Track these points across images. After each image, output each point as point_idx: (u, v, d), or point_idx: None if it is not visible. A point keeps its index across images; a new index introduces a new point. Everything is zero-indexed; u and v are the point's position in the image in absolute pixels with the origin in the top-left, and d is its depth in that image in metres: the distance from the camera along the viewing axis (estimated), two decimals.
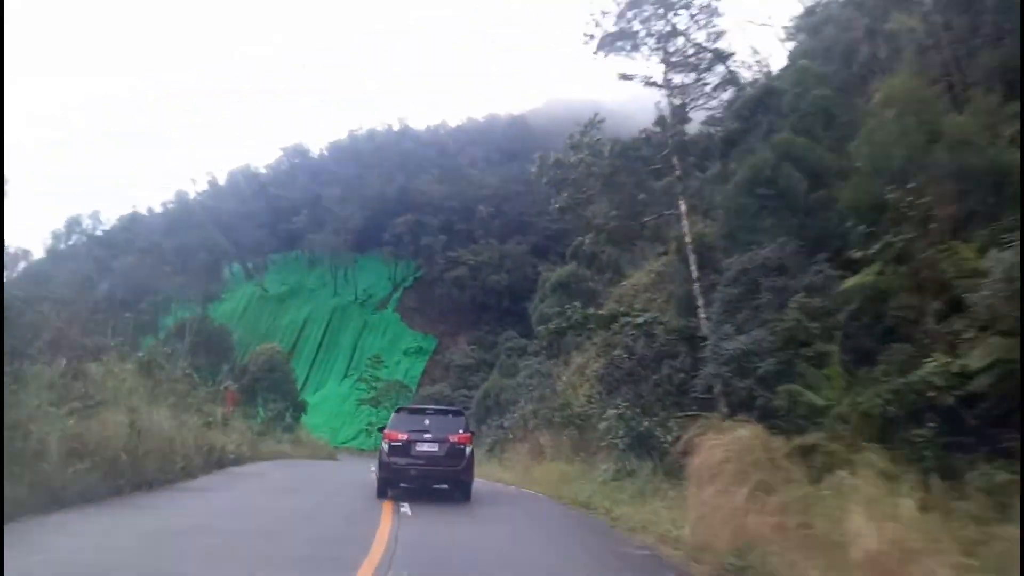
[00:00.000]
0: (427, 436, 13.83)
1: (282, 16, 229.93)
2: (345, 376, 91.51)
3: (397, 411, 15.70)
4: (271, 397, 46.03)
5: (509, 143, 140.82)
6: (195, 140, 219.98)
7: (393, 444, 13.83)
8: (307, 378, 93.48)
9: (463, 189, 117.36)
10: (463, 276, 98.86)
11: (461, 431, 14.22)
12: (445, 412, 15.71)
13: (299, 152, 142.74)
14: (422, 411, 15.69)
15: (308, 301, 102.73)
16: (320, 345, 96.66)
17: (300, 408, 47.77)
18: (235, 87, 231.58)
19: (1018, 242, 8.86)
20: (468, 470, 14.17)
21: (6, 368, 9.56)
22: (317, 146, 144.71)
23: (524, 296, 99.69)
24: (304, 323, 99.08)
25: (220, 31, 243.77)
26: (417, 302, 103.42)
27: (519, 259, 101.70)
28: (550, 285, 47.10)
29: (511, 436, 31.79)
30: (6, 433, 8.74)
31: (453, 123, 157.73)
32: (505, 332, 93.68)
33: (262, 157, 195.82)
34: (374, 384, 79.17)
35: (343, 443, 79.91)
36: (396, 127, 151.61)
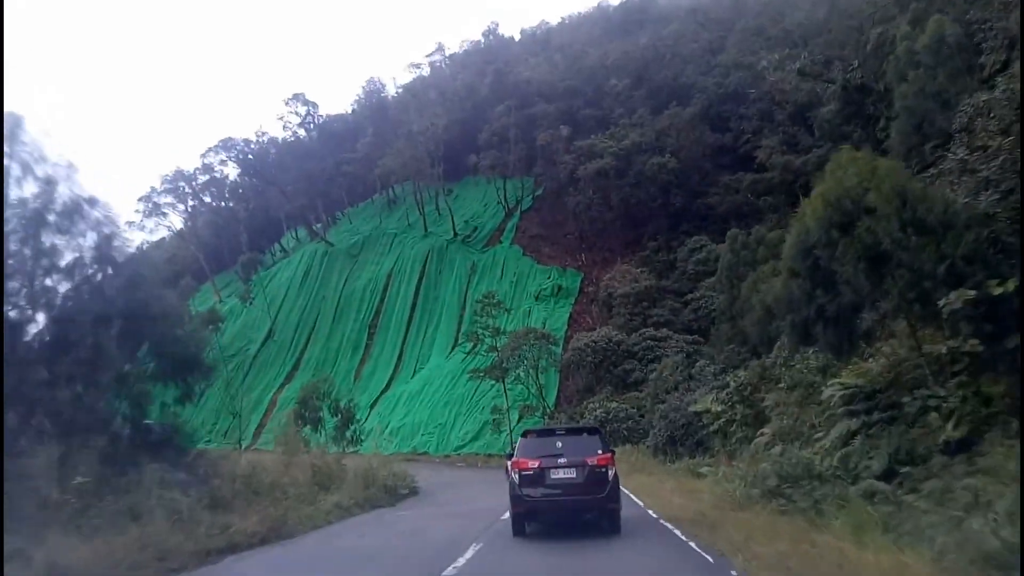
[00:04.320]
0: (561, 461, 12.05)
1: None
2: (454, 347, 59.65)
3: (524, 435, 13.34)
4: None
5: (629, 22, 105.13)
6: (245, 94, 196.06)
7: (524, 473, 12.08)
8: (400, 356, 62.69)
9: (581, 67, 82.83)
10: (606, 170, 63.79)
11: (600, 451, 12.24)
12: (579, 431, 14.03)
13: (373, 91, 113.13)
14: (552, 432, 14.02)
15: (390, 250, 72.06)
16: (413, 308, 65.40)
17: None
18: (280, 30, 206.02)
19: None
20: (614, 496, 12.17)
21: None
22: (394, 86, 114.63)
23: (704, 184, 64.43)
24: (388, 280, 68.36)
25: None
26: (543, 226, 70.10)
27: (686, 128, 65.55)
28: None
29: None
30: None
31: (554, 21, 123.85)
32: (688, 240, 59.00)
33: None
34: (492, 341, 46.30)
35: (459, 449, 47.80)
36: (482, 41, 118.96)
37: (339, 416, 32.70)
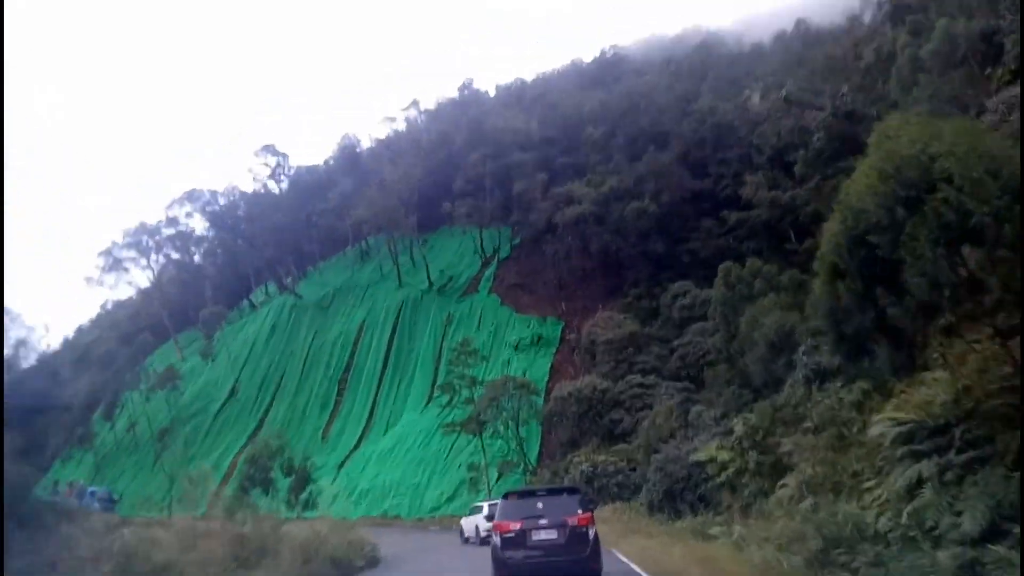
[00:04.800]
0: (543, 522, 11.99)
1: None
2: (429, 401, 56.03)
3: (505, 496, 13.35)
4: None
5: (603, 76, 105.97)
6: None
7: (505, 536, 12.02)
8: (371, 413, 58.81)
9: (556, 116, 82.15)
10: (585, 216, 61.87)
11: (580, 511, 12.21)
12: (559, 492, 13.41)
13: (347, 146, 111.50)
14: (532, 494, 13.67)
15: (362, 302, 68.85)
16: (386, 362, 61.85)
17: None
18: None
19: None
20: (596, 555, 12.08)
21: None
22: (369, 139, 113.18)
23: (685, 228, 62.66)
24: (359, 333, 64.92)
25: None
26: (521, 275, 67.59)
27: (665, 172, 64.09)
28: None
29: None
30: None
31: (529, 78, 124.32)
32: (670, 287, 56.56)
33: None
34: (469, 392, 42.97)
35: (434, 511, 43.78)
36: (458, 96, 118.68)
37: (293, 477, 28.94)
